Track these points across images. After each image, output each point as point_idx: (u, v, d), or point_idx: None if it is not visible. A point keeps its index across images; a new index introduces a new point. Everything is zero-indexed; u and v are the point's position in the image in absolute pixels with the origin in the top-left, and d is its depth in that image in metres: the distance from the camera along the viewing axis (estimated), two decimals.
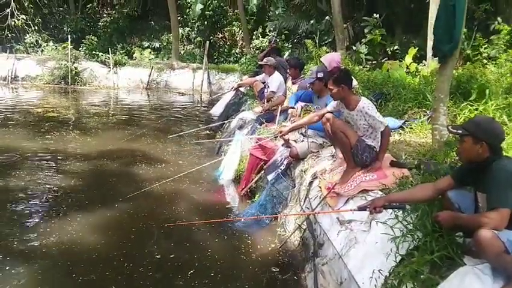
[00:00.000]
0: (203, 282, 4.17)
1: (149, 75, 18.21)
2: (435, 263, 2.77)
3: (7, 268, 4.24)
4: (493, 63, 7.90)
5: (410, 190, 3.51)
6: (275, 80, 8.43)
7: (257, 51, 16.30)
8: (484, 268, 2.61)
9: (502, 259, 2.46)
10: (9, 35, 19.61)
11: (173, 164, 7.80)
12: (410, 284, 2.79)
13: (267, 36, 18.05)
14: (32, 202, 5.86)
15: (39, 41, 19.58)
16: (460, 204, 3.01)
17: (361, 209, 3.39)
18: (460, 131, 2.88)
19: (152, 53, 19.73)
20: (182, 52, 20.06)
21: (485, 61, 8.46)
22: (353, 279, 3.34)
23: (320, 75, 5.65)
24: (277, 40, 14.88)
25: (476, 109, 5.85)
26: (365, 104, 4.38)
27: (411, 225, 3.12)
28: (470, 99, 6.21)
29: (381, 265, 3.10)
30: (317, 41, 13.40)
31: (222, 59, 19.81)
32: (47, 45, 19.37)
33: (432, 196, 3.16)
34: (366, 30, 12.60)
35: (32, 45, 19.52)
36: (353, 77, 4.78)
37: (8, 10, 19.37)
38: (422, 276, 2.75)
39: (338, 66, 6.40)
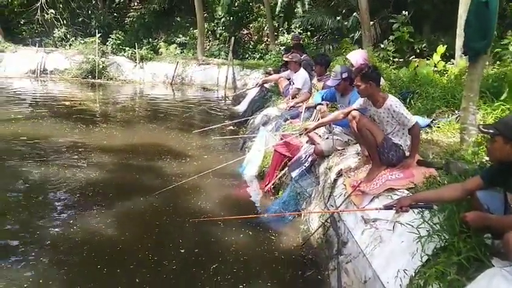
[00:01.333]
0: (225, 278, 4.19)
1: (175, 71, 18.32)
2: (462, 264, 2.72)
3: (32, 255, 4.35)
4: None
5: (438, 190, 3.46)
6: (300, 77, 8.41)
7: (282, 48, 16.24)
8: None
9: None
10: (39, 29, 19.97)
11: (197, 159, 7.84)
12: (436, 284, 2.75)
13: (292, 33, 18.01)
14: (57, 193, 5.97)
15: (68, 35, 19.89)
16: (489, 205, 2.95)
17: (387, 208, 3.35)
18: (491, 131, 2.82)
19: (177, 48, 19.84)
20: (207, 48, 20.12)
21: None
22: (378, 278, 3.32)
23: (345, 75, 5.58)
24: (300, 37, 14.75)
25: (509, 108, 5.72)
26: (393, 101, 4.33)
27: (438, 225, 3.08)
28: (501, 98, 6.08)
29: (406, 265, 3.07)
30: (350, 39, 13.29)
31: (247, 55, 19.78)
32: (75, 39, 19.68)
33: (461, 196, 3.10)
34: (393, 28, 12.44)
35: (60, 39, 19.84)
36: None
37: (38, 4, 19.73)
38: (448, 278, 2.71)
39: (365, 63, 6.34)
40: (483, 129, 2.92)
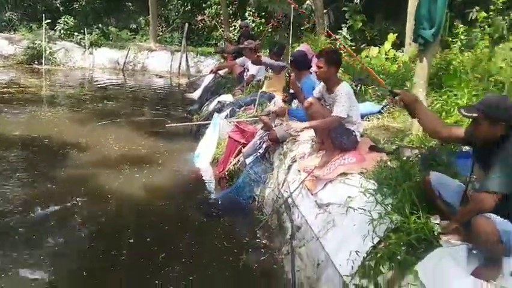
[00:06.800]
0: (175, 269, 4.08)
1: (126, 57, 17.87)
2: (412, 244, 2.79)
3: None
4: (471, 51, 7.94)
5: (429, 112, 3.38)
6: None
7: (236, 34, 16.11)
8: (460, 249, 2.65)
9: (496, 248, 2.45)
10: None
11: (150, 146, 7.67)
12: (387, 265, 2.81)
13: (243, 20, 17.88)
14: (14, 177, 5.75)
15: (13, 20, 19.02)
16: (441, 191, 2.99)
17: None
18: (475, 114, 2.70)
19: (129, 34, 19.34)
20: (160, 34, 19.73)
21: (463, 48, 8.51)
22: (330, 261, 3.36)
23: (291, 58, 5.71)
24: (248, 23, 14.65)
25: (455, 95, 5.88)
26: (343, 88, 4.35)
27: (390, 207, 3.13)
28: (446, 85, 6.27)
29: (358, 247, 3.12)
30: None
31: (201, 42, 19.55)
32: (20, 24, 18.83)
33: (442, 134, 3.07)
34: (346, 16, 12.59)
35: (4, 23, 18.93)
36: None
37: None
38: (398, 257, 2.77)
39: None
40: (466, 114, 2.77)
